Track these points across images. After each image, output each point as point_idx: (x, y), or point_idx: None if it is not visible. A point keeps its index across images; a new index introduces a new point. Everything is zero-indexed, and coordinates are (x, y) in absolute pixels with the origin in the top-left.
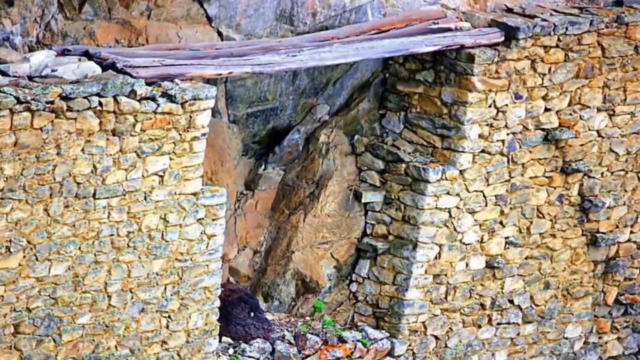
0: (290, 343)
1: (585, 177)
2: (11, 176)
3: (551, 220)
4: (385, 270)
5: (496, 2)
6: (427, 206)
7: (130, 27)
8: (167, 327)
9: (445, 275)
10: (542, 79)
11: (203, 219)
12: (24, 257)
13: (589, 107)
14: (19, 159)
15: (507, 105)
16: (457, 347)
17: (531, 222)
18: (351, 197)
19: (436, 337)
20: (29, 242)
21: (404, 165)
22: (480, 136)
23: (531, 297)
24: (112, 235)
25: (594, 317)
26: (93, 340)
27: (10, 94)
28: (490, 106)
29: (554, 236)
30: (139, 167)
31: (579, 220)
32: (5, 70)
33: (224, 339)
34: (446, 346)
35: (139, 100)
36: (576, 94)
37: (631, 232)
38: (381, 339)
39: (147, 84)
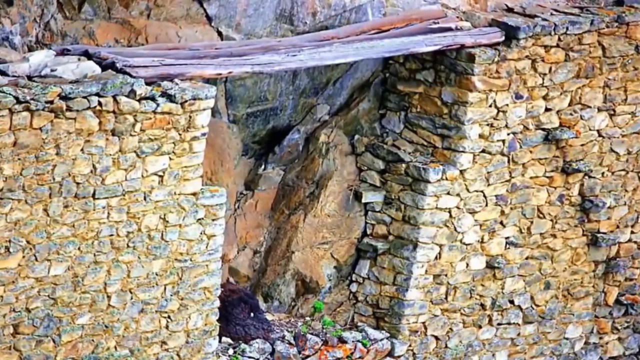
0: (290, 343)
1: (586, 177)
2: (10, 176)
3: (552, 220)
4: (385, 270)
5: (496, 1)
6: (427, 206)
7: (130, 26)
8: (167, 327)
9: (446, 275)
10: (543, 79)
11: (203, 219)
12: (24, 257)
13: (589, 107)
14: (19, 159)
15: (507, 105)
16: (457, 347)
17: (532, 222)
18: (351, 197)
19: (436, 338)
20: (28, 242)
21: (404, 165)
22: (481, 136)
23: (532, 298)
24: (111, 235)
25: (595, 317)
26: (92, 340)
27: (10, 94)
28: (490, 106)
29: (554, 236)
30: (139, 167)
31: (580, 221)
32: (4, 70)
33: (224, 339)
34: (446, 346)
35: (139, 100)
36: (577, 93)
37: (632, 232)
38: (381, 340)
39: (147, 83)
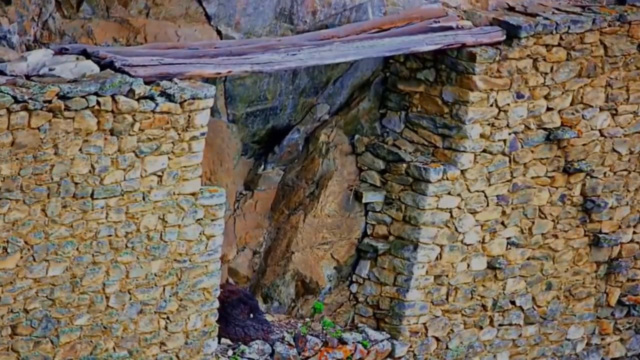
0: (290, 344)
1: (588, 177)
2: (8, 176)
3: (553, 220)
4: (385, 271)
5: (498, 0)
6: (428, 206)
7: (129, 25)
8: (166, 328)
9: (447, 276)
10: (544, 78)
11: (202, 219)
12: (22, 257)
13: (591, 106)
14: (17, 159)
15: (508, 104)
16: (458, 348)
17: (533, 223)
18: (351, 197)
19: (437, 339)
20: (26, 242)
21: (404, 165)
22: (482, 136)
23: (533, 298)
24: (110, 235)
25: (597, 318)
26: (91, 341)
27: (8, 93)
28: (491, 105)
29: (556, 237)
30: (138, 167)
31: (581, 221)
32: (2, 69)
33: (223, 340)
34: (447, 348)
35: (138, 100)
36: (578, 93)
37: (634, 233)
38: (382, 341)
39: (146, 83)
